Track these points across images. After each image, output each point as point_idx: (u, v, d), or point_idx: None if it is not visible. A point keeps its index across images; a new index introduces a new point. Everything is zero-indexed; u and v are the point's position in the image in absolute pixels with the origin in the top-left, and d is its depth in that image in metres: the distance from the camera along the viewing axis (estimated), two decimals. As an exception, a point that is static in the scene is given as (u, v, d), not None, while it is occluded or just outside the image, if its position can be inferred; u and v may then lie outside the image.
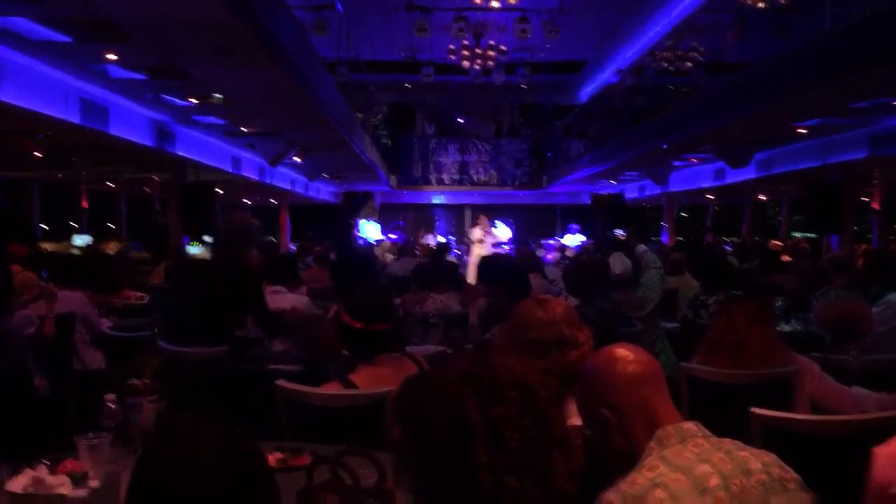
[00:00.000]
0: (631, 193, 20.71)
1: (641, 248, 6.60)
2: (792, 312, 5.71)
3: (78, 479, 2.21)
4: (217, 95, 9.25)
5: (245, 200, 22.81)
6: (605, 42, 16.21)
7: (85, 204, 19.72)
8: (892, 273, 5.44)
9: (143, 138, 10.30)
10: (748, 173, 13.87)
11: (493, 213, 19.28)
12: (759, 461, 1.59)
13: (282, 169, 16.52)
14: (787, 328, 5.34)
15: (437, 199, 24.50)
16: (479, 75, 16.36)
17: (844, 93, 7.98)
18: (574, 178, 19.21)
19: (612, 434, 1.73)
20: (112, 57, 7.45)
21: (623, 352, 1.80)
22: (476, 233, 17.03)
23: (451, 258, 13.09)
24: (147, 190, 20.44)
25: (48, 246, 13.87)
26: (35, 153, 12.37)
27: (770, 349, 3.42)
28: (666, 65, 13.00)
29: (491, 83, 17.31)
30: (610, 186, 20.38)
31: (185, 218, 12.17)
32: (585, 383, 1.83)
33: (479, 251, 15.68)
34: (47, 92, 7.96)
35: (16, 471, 2.27)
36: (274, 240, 18.75)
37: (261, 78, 7.61)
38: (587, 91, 20.68)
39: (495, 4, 12.93)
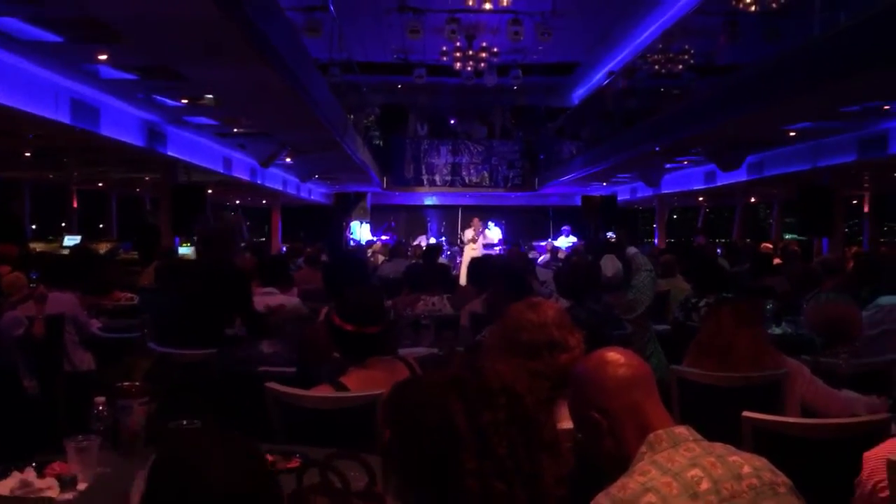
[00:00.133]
0: (623, 195, 20.77)
1: (632, 250, 6.60)
2: (782, 315, 5.72)
3: (66, 482, 2.19)
4: (208, 96, 9.23)
5: (236, 201, 22.77)
6: (598, 44, 16.26)
7: (75, 204, 19.66)
8: (881, 276, 5.45)
9: (133, 139, 10.25)
10: (739, 175, 13.93)
11: (485, 214, 19.32)
12: (750, 465, 1.59)
13: (273, 170, 16.49)
14: (777, 331, 5.36)
15: (430, 201, 24.50)
16: (471, 77, 16.40)
17: (834, 96, 8.03)
18: (566, 180, 19.25)
19: (602, 438, 1.73)
20: (103, 57, 7.41)
21: (614, 355, 1.80)
22: (469, 234, 17.05)
23: (442, 260, 13.08)
24: (138, 190, 20.38)
25: (38, 246, 13.81)
26: (25, 153, 12.32)
27: (759, 351, 3.42)
28: (658, 67, 13.05)
29: (483, 85, 17.36)
30: (602, 188, 20.43)
31: (176, 219, 12.13)
32: (576, 387, 1.83)
33: (471, 253, 15.69)
34: (37, 92, 7.92)
35: (4, 473, 2.25)
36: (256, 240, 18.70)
37: (252, 78, 7.60)
38: (579, 93, 20.73)
39: (488, 6, 12.95)
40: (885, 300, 4.88)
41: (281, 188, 18.47)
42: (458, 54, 15.41)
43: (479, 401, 1.43)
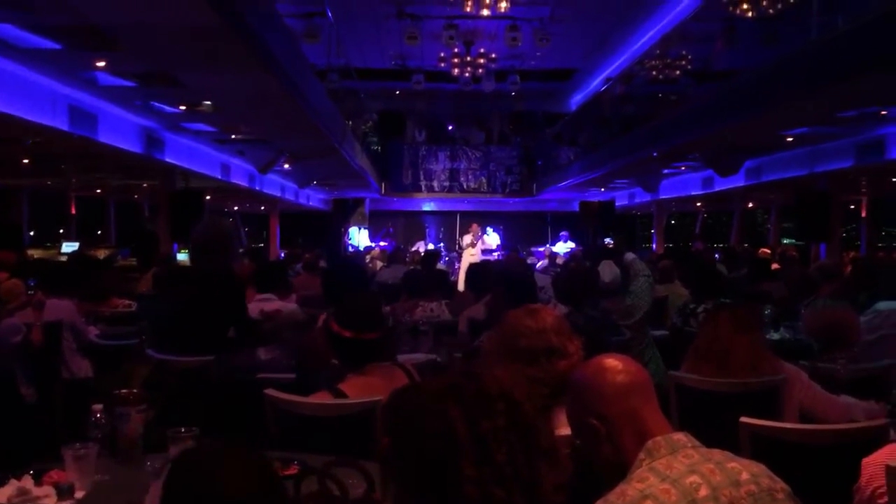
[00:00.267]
0: (621, 201, 20.79)
1: (630, 255, 6.61)
2: (780, 320, 5.72)
3: (63, 491, 2.19)
4: (207, 102, 9.23)
5: (235, 207, 22.77)
6: (595, 50, 16.28)
7: (73, 211, 19.65)
8: (879, 281, 5.46)
9: (132, 145, 10.25)
10: (737, 181, 13.94)
11: (483, 220, 19.31)
12: (748, 472, 1.59)
13: (272, 176, 16.50)
14: (775, 336, 5.36)
15: (428, 207, 24.50)
16: (469, 83, 16.41)
17: (832, 101, 8.04)
18: (564, 186, 19.26)
19: (601, 444, 1.73)
20: (101, 64, 7.42)
21: (612, 362, 1.80)
22: (467, 240, 17.05)
23: (441, 266, 13.09)
24: (136, 197, 20.37)
25: (36, 253, 13.81)
26: (23, 160, 12.31)
27: (757, 357, 3.42)
28: (655, 73, 13.06)
29: (481, 91, 17.36)
30: (600, 194, 20.45)
31: (174, 225, 12.12)
32: (574, 393, 1.83)
33: (470, 259, 15.69)
34: (36, 99, 7.92)
35: (1, 481, 2.25)
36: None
37: (251, 85, 7.61)
38: (577, 99, 20.76)
39: (486, 12, 12.96)
40: (883, 305, 4.89)
41: (279, 194, 18.48)
42: (455, 60, 15.43)
43: (478, 407, 1.43)
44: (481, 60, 15.53)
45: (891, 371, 3.98)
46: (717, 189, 15.49)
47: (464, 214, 23.43)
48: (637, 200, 20.27)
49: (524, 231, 23.87)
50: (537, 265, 14.38)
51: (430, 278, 6.98)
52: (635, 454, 1.66)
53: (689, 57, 12.62)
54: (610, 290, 6.25)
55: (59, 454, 2.32)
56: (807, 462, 2.70)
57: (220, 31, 5.63)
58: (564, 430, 1.94)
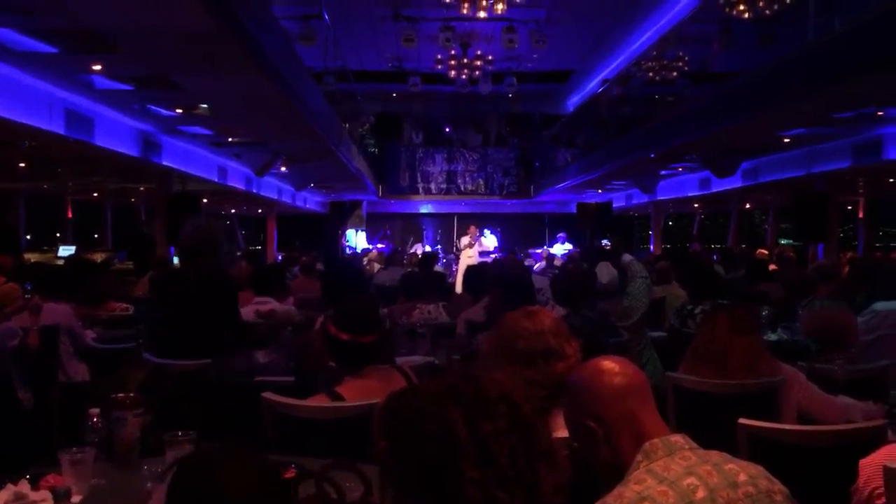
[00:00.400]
0: (618, 202, 20.81)
1: (627, 257, 6.62)
2: (778, 321, 5.73)
3: (60, 495, 2.18)
4: (203, 106, 9.22)
5: (232, 210, 22.76)
6: (592, 52, 16.30)
7: (70, 214, 19.63)
8: (877, 281, 5.46)
9: (128, 149, 10.25)
10: (734, 182, 13.95)
11: (480, 222, 19.32)
12: (746, 473, 1.59)
13: (269, 179, 16.49)
14: (773, 337, 5.36)
15: (425, 209, 24.51)
16: (466, 85, 16.41)
17: (828, 102, 8.04)
18: (561, 188, 19.28)
19: (598, 446, 1.73)
20: (97, 67, 7.41)
21: (609, 364, 1.80)
22: (465, 242, 17.05)
23: (438, 268, 13.08)
24: (133, 200, 20.35)
25: (33, 257, 13.78)
26: (20, 164, 12.30)
27: (755, 358, 3.42)
28: (652, 74, 13.08)
29: (478, 93, 17.38)
30: (597, 195, 20.47)
31: (171, 228, 12.11)
32: (572, 395, 1.83)
33: (467, 261, 15.69)
34: (32, 102, 7.92)
35: (-3, 486, 2.24)
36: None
37: (247, 88, 7.60)
38: (574, 100, 20.78)
39: (482, 14, 12.97)
40: (881, 306, 4.89)
41: (276, 197, 18.47)
42: (452, 62, 15.43)
43: (479, 409, 1.43)
44: (478, 62, 15.54)
45: (888, 371, 3.98)
46: (714, 190, 15.51)
47: (461, 216, 23.44)
48: (634, 202, 20.29)
49: (522, 233, 23.87)
50: (535, 267, 14.37)
51: (428, 280, 6.99)
52: (633, 456, 1.66)
53: (686, 58, 12.65)
54: (607, 291, 6.25)
55: (56, 458, 2.32)
56: (805, 463, 2.70)
57: (217, 34, 5.62)
58: (562, 433, 1.94)
